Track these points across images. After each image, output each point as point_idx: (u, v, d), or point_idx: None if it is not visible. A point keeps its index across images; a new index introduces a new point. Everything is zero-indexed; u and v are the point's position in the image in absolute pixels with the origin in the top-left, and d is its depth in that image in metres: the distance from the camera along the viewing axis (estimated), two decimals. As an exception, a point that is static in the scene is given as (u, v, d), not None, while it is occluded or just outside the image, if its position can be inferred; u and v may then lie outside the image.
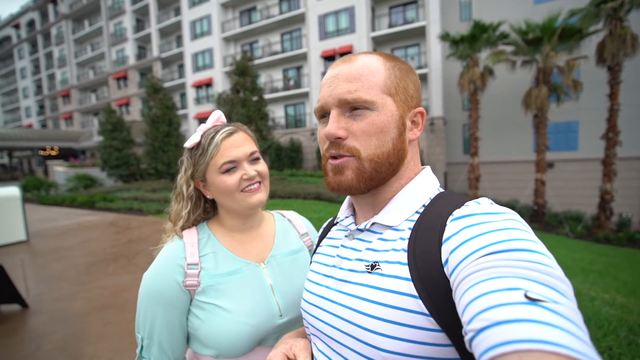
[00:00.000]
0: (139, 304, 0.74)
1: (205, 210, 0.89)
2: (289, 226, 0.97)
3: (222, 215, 0.86)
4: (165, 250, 0.78)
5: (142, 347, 0.74)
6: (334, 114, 0.54)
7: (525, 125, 15.03)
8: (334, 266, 0.60)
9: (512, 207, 13.23)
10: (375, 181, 0.55)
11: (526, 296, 0.32)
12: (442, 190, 0.58)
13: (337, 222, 0.67)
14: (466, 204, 0.49)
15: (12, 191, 6.36)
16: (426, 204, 0.55)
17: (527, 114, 12.46)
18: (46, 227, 7.60)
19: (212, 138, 0.79)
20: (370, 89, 0.52)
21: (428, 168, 0.61)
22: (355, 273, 0.55)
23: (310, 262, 0.70)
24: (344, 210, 0.66)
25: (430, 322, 0.44)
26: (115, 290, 3.60)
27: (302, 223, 1.00)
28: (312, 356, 0.61)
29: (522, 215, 13.29)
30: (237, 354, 0.73)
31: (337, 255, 0.60)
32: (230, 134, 0.80)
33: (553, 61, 11.55)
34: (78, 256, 5.04)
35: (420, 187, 0.56)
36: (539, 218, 12.20)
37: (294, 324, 0.81)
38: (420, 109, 0.57)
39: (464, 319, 0.36)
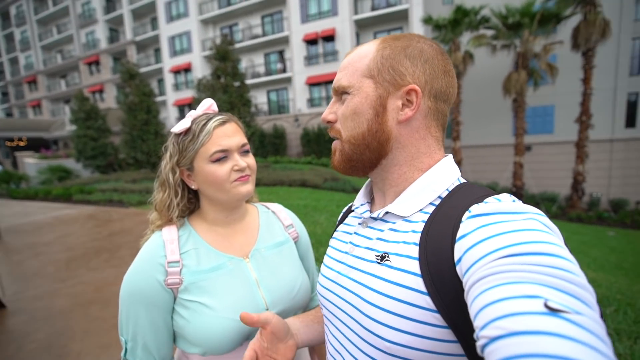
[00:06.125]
0: (121, 306, 0.72)
1: (189, 200, 0.85)
2: (274, 218, 0.95)
3: (204, 208, 0.83)
4: (144, 249, 0.76)
5: (126, 350, 0.72)
6: (332, 101, 0.60)
7: (505, 110, 15.37)
8: (346, 252, 0.61)
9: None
10: (356, 162, 0.57)
11: (546, 305, 0.30)
12: (463, 180, 0.55)
13: (354, 209, 0.67)
14: (485, 200, 0.47)
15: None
16: (443, 196, 0.52)
17: (507, 99, 12.74)
18: (19, 222, 7.26)
19: (205, 125, 0.75)
20: (352, 74, 0.56)
21: (449, 157, 0.58)
22: (365, 262, 0.55)
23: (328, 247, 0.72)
24: (360, 197, 0.66)
25: (436, 319, 0.44)
26: (99, 285, 3.51)
27: (286, 215, 0.98)
28: (326, 338, 0.65)
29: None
30: (224, 351, 0.73)
31: (350, 242, 0.61)
32: (223, 122, 0.77)
33: (531, 45, 11.77)
34: (56, 252, 4.87)
35: (436, 177, 0.54)
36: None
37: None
38: (412, 86, 0.52)
39: (477, 323, 0.34)
